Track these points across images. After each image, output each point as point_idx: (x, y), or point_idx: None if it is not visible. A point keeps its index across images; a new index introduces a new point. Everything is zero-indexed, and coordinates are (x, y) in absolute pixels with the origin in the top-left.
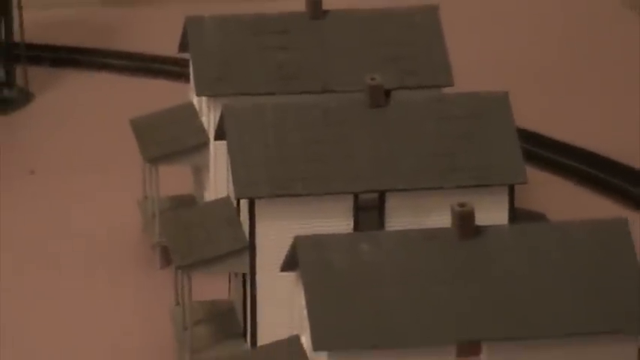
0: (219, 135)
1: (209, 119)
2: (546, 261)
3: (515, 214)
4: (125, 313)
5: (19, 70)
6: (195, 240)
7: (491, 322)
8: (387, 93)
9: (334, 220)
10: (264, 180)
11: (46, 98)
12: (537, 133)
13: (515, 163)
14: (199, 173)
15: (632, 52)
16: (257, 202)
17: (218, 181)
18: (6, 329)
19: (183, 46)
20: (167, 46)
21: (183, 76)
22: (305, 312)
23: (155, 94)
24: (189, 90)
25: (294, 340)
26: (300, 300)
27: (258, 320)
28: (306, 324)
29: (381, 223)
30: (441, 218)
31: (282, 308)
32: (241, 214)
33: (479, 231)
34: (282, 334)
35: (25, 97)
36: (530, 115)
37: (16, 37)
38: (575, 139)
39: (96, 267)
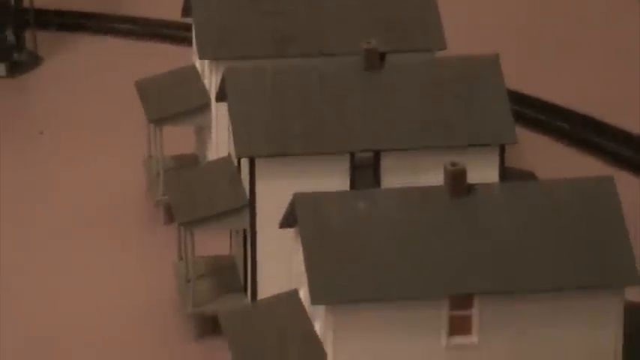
0: (221, 96)
1: (211, 81)
2: (535, 218)
3: (506, 173)
4: (130, 267)
5: (28, 35)
6: (197, 198)
7: (483, 276)
8: (382, 56)
9: (331, 179)
10: (264, 140)
11: (54, 61)
12: (527, 94)
13: (505, 124)
14: (202, 133)
15: (619, 15)
16: (257, 161)
17: (219, 141)
18: (10, 283)
19: (186, 11)
20: (171, 11)
21: (186, 40)
22: (303, 267)
23: (159, 58)
24: (192, 53)
25: (293, 295)
26: (299, 255)
27: (258, 275)
28: (304, 278)
29: (376, 182)
30: (434, 177)
31: (281, 263)
32: (242, 172)
33: (470, 189)
34: (282, 288)
35: (34, 61)
36: (520, 77)
37: (25, 3)
38: (564, 100)
39: (101, 223)
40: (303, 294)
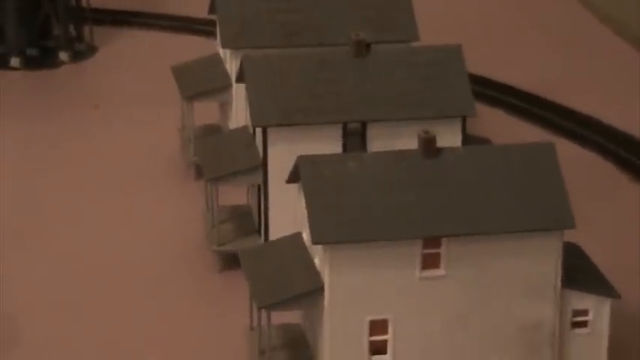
0: (239, 78)
1: (231, 66)
2: (491, 174)
3: (467, 139)
4: (167, 214)
5: (86, 29)
6: (221, 159)
7: (449, 222)
8: (368, 46)
9: (327, 144)
10: (274, 113)
11: (107, 50)
12: (484, 76)
13: (466, 100)
14: (224, 108)
15: (559, 12)
16: (268, 130)
17: (239, 114)
18: (74, 225)
19: (212, 10)
20: (199, 10)
21: (211, 34)
22: (305, 214)
23: (190, 47)
24: (216, 44)
25: (297, 236)
26: (301, 205)
27: (269, 221)
28: (306, 223)
29: (363, 146)
30: (410, 142)
31: (288, 211)
32: (256, 139)
33: (439, 151)
34: (288, 231)
35: (91, 50)
36: (479, 63)
37: (84, 3)
38: (514, 81)
39: (144, 178)
40: (305, 236)
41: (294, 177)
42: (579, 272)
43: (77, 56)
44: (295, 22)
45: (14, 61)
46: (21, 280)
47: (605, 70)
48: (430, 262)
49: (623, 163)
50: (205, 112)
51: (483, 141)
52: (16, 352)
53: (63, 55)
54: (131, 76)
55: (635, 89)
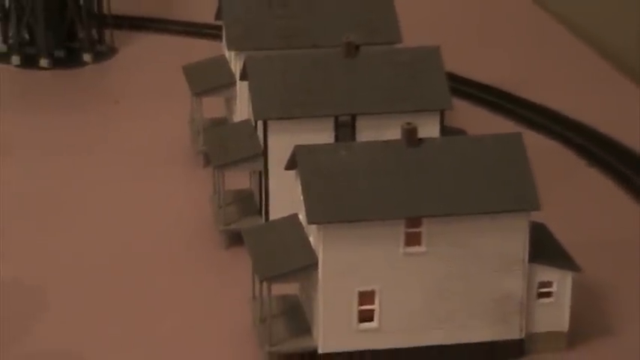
0: (243, 76)
1: (236, 66)
2: (466, 161)
3: (445, 130)
4: (179, 197)
5: (107, 33)
6: (227, 148)
7: (429, 204)
8: (357, 48)
9: (321, 135)
10: (273, 107)
11: (126, 52)
12: (460, 75)
13: (444, 96)
14: (230, 102)
15: (523, 15)
16: (269, 123)
17: (242, 108)
18: (92, 207)
19: (218, 16)
20: (207, 16)
21: (218, 37)
22: (301, 197)
23: (199, 49)
24: (223, 46)
25: (294, 217)
26: (298, 188)
27: (269, 203)
28: (302, 205)
29: (353, 137)
30: (394, 133)
31: (286, 194)
32: (258, 130)
33: (420, 141)
34: (286, 212)
35: (112, 51)
36: (455, 62)
37: (105, 10)
38: (487, 79)
39: (157, 165)
40: (301, 216)
41: (291, 164)
42: (545, 248)
43: (99, 57)
44: (292, 26)
45: (43, 62)
46: (48, 252)
47: (564, 68)
48: (412, 239)
49: (580, 151)
50: (212, 107)
51: (459, 132)
52: (45, 317)
53: (87, 56)
54: (147, 74)
55: (590, 85)
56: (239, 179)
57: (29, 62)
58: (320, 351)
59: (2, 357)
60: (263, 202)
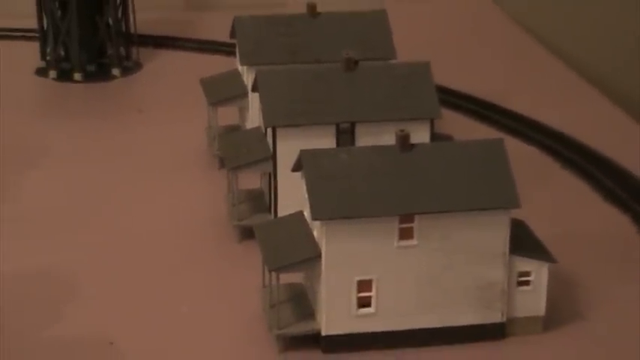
0: (254, 88)
1: (248, 79)
2: (453, 164)
3: (434, 136)
4: (196, 196)
5: (133, 50)
6: (239, 152)
7: (420, 202)
8: (356, 62)
9: (324, 140)
10: (281, 116)
11: (150, 67)
12: (449, 87)
13: (434, 106)
14: (242, 111)
15: (508, 35)
16: (277, 129)
17: (254, 117)
18: (114, 205)
19: (232, 35)
20: (222, 35)
21: (232, 53)
22: (306, 196)
23: (215, 64)
24: (236, 61)
25: (300, 213)
26: (304, 188)
27: (278, 201)
28: (307, 203)
29: (352, 142)
30: (389, 139)
31: (293, 193)
32: (268, 136)
33: (412, 146)
34: (293, 210)
35: (137, 66)
36: (444, 76)
37: (131, 29)
38: (473, 91)
39: (178, 167)
40: (306, 213)
41: (297, 166)
42: (524, 242)
43: (126, 71)
44: (297, 43)
45: (77, 76)
46: (78, 245)
47: (540, 82)
48: (405, 234)
49: (555, 155)
50: (227, 115)
51: (447, 138)
52: (74, 303)
53: (115, 71)
54: (168, 86)
55: (564, 96)
56: (251, 180)
57: (64, 76)
58: (323, 333)
59: (35, 339)
60: (272, 201)
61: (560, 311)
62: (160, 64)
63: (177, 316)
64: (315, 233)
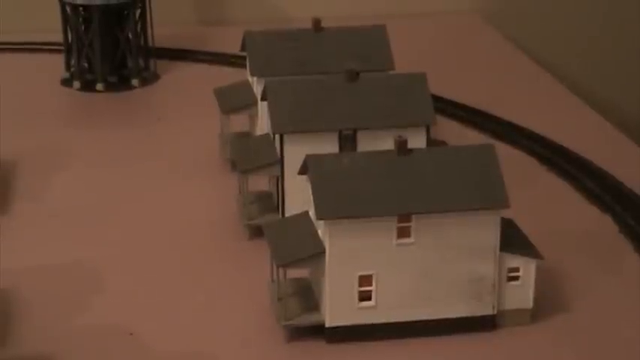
0: (263, 97)
1: (257, 89)
2: (448, 167)
3: (430, 142)
4: (209, 197)
5: (152, 62)
6: (250, 156)
7: (417, 203)
8: (357, 74)
9: (328, 146)
10: (288, 123)
11: (167, 78)
12: (443, 96)
13: (430, 113)
14: (252, 119)
15: (495, 48)
16: (284, 136)
17: (263, 124)
18: (129, 204)
19: (243, 48)
20: (234, 48)
21: (243, 65)
22: (311, 197)
23: (228, 76)
24: (247, 73)
25: (306, 213)
26: (309, 190)
27: (285, 202)
28: (312, 204)
29: (354, 148)
30: (389, 144)
31: (299, 195)
32: (276, 142)
33: (410, 151)
34: (299, 210)
35: (155, 77)
36: (439, 86)
37: (149, 42)
38: (465, 100)
39: (193, 170)
40: (312, 213)
41: (303, 170)
42: (513, 240)
43: (145, 82)
44: (303, 56)
45: (99, 86)
46: (104, 241)
47: (527, 91)
48: (403, 232)
49: (541, 159)
50: (238, 123)
51: (442, 143)
52: (101, 295)
53: (135, 81)
54: (184, 96)
55: (548, 104)
56: (260, 182)
57: (87, 86)
58: (327, 324)
59: (66, 327)
60: (280, 202)
61: (547, 304)
62: (176, 75)
63: (191, 308)
64: (319, 232)
